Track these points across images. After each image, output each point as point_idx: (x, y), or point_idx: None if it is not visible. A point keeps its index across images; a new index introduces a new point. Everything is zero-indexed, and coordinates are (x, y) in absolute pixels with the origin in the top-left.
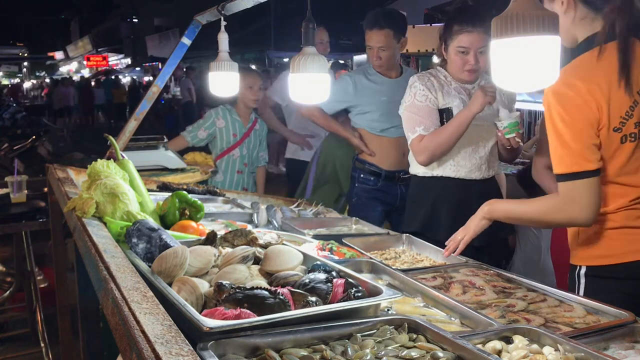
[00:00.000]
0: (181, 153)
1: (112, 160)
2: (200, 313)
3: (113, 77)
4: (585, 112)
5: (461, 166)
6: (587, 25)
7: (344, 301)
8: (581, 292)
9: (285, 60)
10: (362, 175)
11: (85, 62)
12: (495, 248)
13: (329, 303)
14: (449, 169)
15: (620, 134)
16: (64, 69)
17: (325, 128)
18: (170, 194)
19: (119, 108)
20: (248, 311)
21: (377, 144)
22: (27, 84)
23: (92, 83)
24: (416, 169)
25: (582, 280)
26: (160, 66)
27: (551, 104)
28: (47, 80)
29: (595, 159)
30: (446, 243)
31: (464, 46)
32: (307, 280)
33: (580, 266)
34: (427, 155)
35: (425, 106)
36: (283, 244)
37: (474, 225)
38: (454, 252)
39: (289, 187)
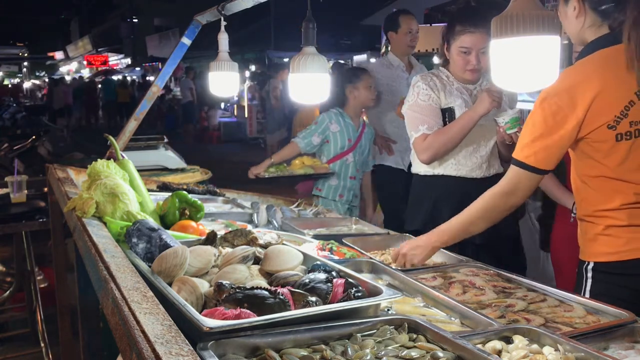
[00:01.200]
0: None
1: (112, 160)
2: (200, 313)
3: (121, 77)
4: (571, 120)
5: (462, 165)
6: (594, 31)
7: (344, 301)
8: (588, 286)
9: (285, 60)
10: None
11: (85, 62)
12: (497, 246)
13: (329, 303)
14: (450, 168)
15: (615, 132)
16: (64, 69)
17: None
18: (170, 194)
19: (122, 107)
20: (248, 311)
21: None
22: (27, 84)
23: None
24: (417, 167)
25: (590, 275)
26: (160, 66)
27: (545, 100)
28: (47, 79)
29: (554, 163)
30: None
31: (466, 46)
32: (307, 280)
33: (588, 261)
34: (430, 154)
35: (428, 105)
36: (283, 244)
37: (425, 258)
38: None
39: (380, 197)
